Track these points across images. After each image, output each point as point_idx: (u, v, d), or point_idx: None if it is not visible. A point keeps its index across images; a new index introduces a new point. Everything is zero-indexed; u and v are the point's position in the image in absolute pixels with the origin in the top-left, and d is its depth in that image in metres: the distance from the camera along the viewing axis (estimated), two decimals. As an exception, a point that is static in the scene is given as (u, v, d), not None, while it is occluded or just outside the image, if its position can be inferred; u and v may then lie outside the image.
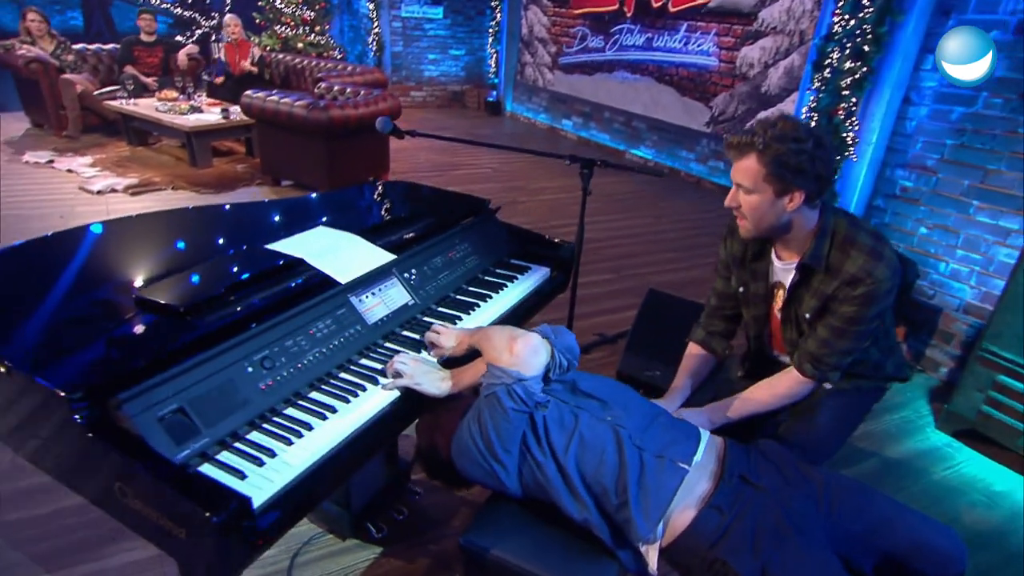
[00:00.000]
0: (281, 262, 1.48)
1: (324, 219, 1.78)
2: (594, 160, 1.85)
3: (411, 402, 1.35)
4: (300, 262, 1.50)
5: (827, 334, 1.41)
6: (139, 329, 1.22)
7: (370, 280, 1.51)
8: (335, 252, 1.56)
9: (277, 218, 1.83)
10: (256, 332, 1.26)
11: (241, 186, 4.97)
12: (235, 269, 1.45)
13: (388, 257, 1.61)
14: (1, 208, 4.15)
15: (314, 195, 2.02)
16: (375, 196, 2.14)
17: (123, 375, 1.06)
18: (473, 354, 1.41)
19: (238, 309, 1.30)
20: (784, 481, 1.23)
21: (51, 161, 5.19)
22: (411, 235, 1.73)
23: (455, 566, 1.76)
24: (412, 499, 1.96)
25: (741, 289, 1.57)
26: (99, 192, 4.59)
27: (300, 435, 1.20)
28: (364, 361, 1.41)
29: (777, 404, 1.49)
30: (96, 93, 5.85)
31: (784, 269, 1.46)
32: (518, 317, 1.74)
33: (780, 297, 1.50)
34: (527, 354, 1.20)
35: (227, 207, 1.82)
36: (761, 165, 1.27)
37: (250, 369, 1.24)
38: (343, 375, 1.36)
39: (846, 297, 1.35)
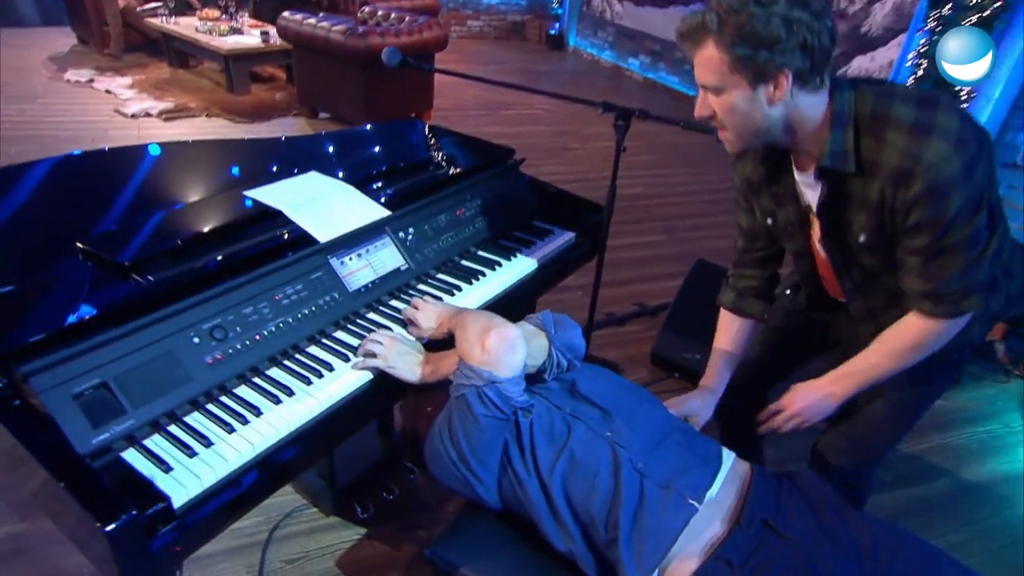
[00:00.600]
0: (255, 213, 1.36)
1: (320, 163, 1.64)
2: (631, 110, 1.60)
3: (387, 386, 1.24)
4: (277, 214, 1.37)
5: (919, 263, 1.08)
6: (69, 285, 1.10)
7: (357, 239, 1.39)
8: (321, 204, 1.43)
9: (270, 158, 1.70)
10: (209, 296, 1.15)
11: (277, 116, 4.88)
12: (200, 218, 1.33)
13: (382, 213, 1.47)
14: (39, 128, 4.16)
15: (322, 133, 1.89)
16: (385, 138, 1.98)
17: (32, 343, 0.93)
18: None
19: (190, 267, 1.18)
20: (819, 529, 1.03)
21: (91, 80, 5.21)
22: (413, 187, 1.59)
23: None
24: (406, 478, 1.89)
25: (769, 221, 1.29)
26: (133, 116, 4.58)
27: (246, 421, 1.08)
28: (340, 334, 1.30)
29: (914, 359, 1.19)
30: (139, 9, 5.80)
31: (809, 184, 1.16)
32: (532, 291, 1.63)
33: (816, 224, 1.21)
34: (501, 351, 1.05)
35: (222, 142, 1.69)
36: (721, 50, 0.99)
37: (197, 339, 1.12)
38: (312, 349, 1.26)
39: (905, 202, 1.01)
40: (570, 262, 1.78)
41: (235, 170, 1.60)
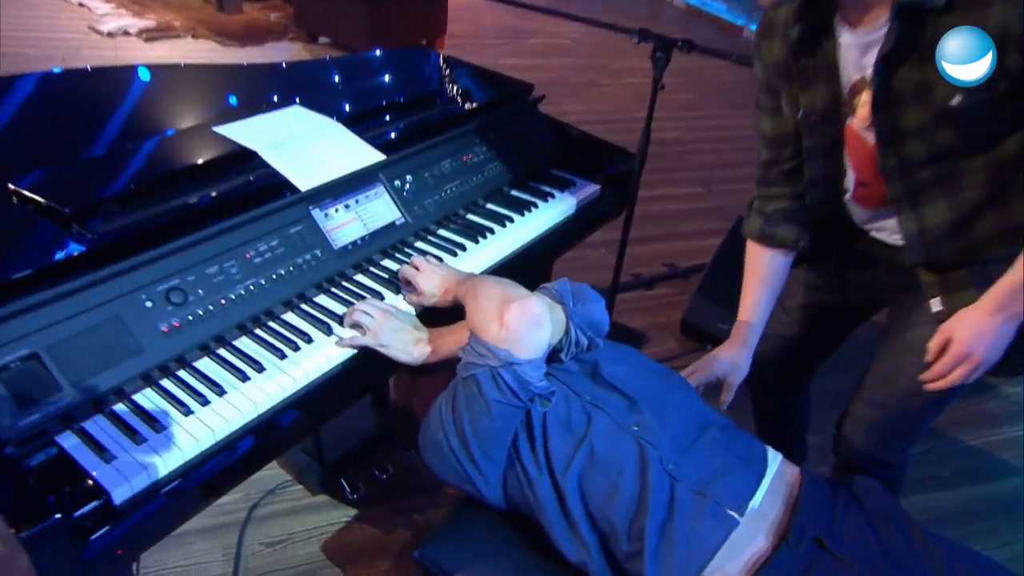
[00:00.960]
0: (225, 153, 1.27)
1: (306, 94, 1.55)
2: (672, 40, 1.45)
3: (377, 362, 1.17)
4: (251, 156, 1.28)
5: None
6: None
7: (345, 187, 1.31)
8: (304, 144, 1.35)
9: (249, 87, 1.59)
10: (166, 252, 1.07)
11: (271, 39, 4.72)
12: (159, 159, 1.24)
13: (375, 157, 1.38)
14: (1, 43, 4.04)
15: (310, 61, 1.80)
16: (386, 69, 1.86)
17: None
18: (462, 309, 1.17)
19: (145, 217, 1.10)
20: (881, 551, 0.95)
21: (64, -9, 5.05)
22: (413, 127, 1.51)
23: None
24: (401, 455, 1.84)
25: (800, 114, 1.17)
26: (109, 34, 4.43)
27: (206, 401, 1.01)
28: (322, 299, 1.24)
29: None
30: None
31: (863, 43, 1.03)
32: (548, 252, 1.59)
33: (864, 101, 1.06)
34: (523, 327, 0.98)
35: (216, 67, 1.60)
36: None
37: (150, 303, 1.04)
38: (288, 317, 1.19)
39: None
40: (594, 219, 1.72)
41: (232, 100, 1.51)
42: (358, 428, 1.82)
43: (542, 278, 1.23)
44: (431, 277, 1.22)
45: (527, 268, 1.47)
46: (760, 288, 1.33)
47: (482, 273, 1.34)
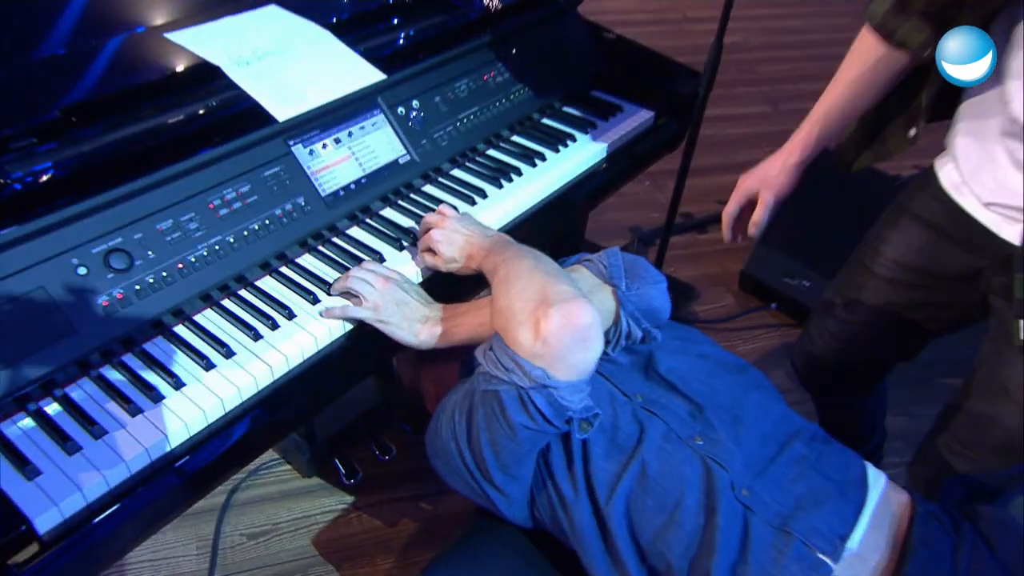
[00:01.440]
0: (181, 70, 1.15)
1: None
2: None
3: (377, 341, 1.10)
4: (214, 73, 1.16)
5: None
6: None
7: (336, 116, 1.24)
8: (282, 59, 1.24)
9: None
10: (105, 201, 0.97)
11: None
12: (93, 77, 1.10)
13: (373, 76, 1.27)
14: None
15: None
16: None
17: None
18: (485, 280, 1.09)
19: (74, 155, 0.98)
20: None
21: None
22: (421, 37, 1.40)
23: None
24: (407, 432, 1.80)
25: None
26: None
27: (159, 397, 0.92)
28: (306, 260, 1.18)
29: None
30: None
31: None
32: (588, 198, 1.51)
33: None
34: (566, 343, 0.88)
35: None
36: None
37: (84, 270, 0.94)
38: (265, 283, 1.12)
39: None
40: (646, 155, 1.62)
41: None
42: (357, 399, 1.77)
43: (576, 232, 1.10)
44: (452, 236, 1.14)
45: (560, 220, 1.43)
46: (846, 89, 1.18)
47: (503, 230, 1.27)
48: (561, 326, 0.87)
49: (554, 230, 1.43)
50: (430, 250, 1.15)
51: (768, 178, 1.28)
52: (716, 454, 0.94)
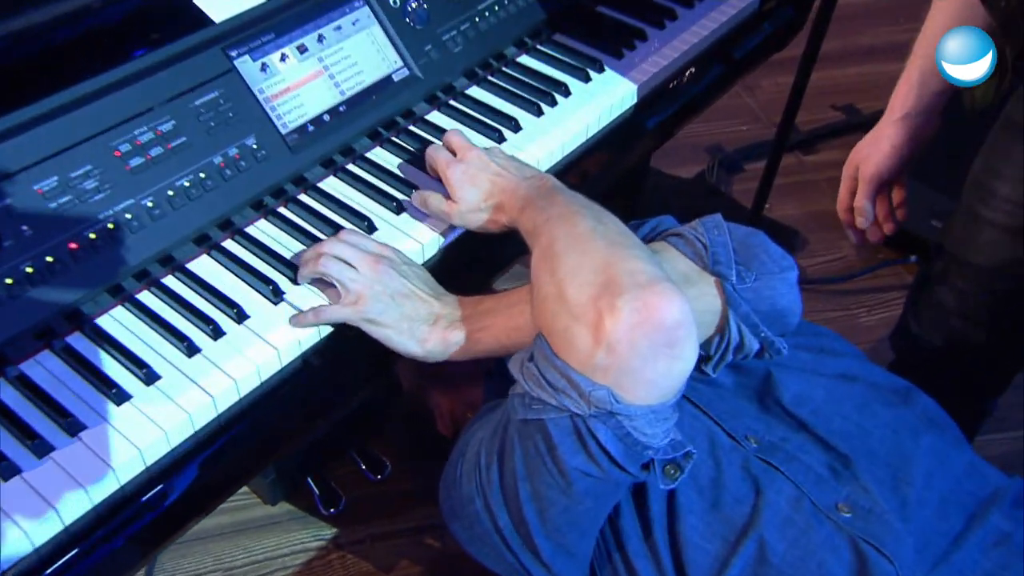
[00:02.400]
0: None
1: None
2: None
3: (371, 349, 1.08)
4: None
5: None
6: None
7: (300, 13, 1.22)
8: None
9: None
10: None
11: None
12: None
13: None
14: None
15: None
16: None
17: None
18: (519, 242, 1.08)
19: None
20: None
21: None
22: None
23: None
24: (403, 440, 1.85)
25: None
26: None
27: (45, 448, 0.87)
28: (262, 229, 1.16)
29: None
30: None
31: None
32: (666, 122, 1.50)
33: None
34: (643, 349, 0.84)
35: None
36: None
37: None
38: (201, 266, 1.10)
39: None
40: (747, 58, 1.61)
41: None
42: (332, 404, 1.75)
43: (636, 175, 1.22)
44: (476, 175, 1.12)
45: (622, 159, 1.45)
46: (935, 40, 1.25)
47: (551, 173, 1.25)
48: (635, 324, 0.84)
49: (612, 177, 1.46)
50: (439, 196, 1.15)
51: (869, 151, 1.39)
52: (872, 534, 0.92)
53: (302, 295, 1.05)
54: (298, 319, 1.02)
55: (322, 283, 1.06)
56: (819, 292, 2.18)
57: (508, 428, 0.93)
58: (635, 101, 1.40)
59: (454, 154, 1.14)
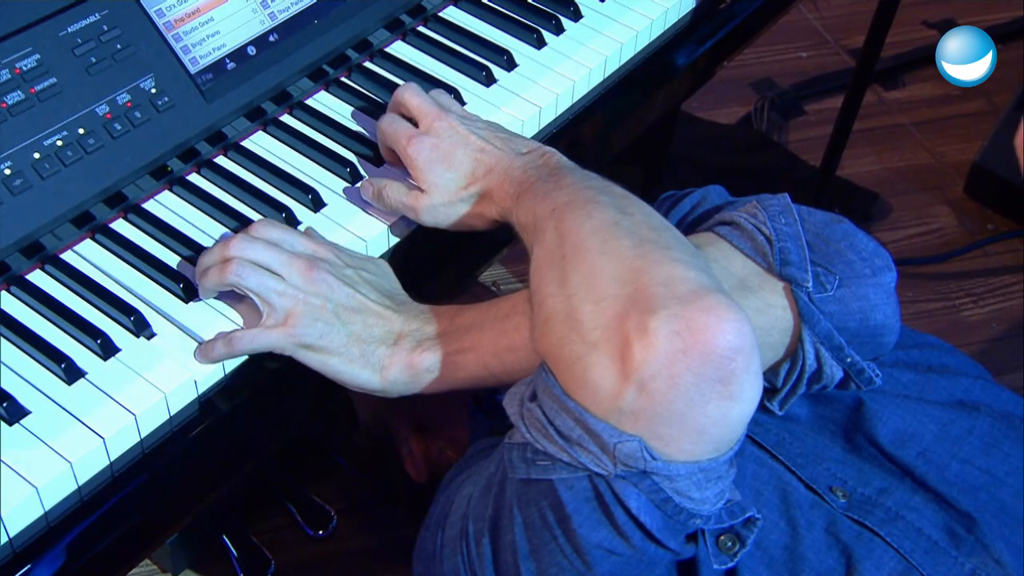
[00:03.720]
0: None
1: None
2: None
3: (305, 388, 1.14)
4: None
5: None
6: None
7: None
8: None
9: None
10: None
11: None
12: None
13: None
14: None
15: None
16: None
17: None
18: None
19: None
20: None
21: None
22: None
23: None
24: (351, 475, 1.87)
25: None
26: None
27: None
28: (165, 204, 1.18)
29: None
30: None
31: None
32: (707, 52, 1.54)
33: None
34: (686, 387, 0.82)
35: None
36: None
37: None
38: (83, 254, 1.11)
39: None
40: None
41: None
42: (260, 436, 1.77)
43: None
44: (453, 151, 1.11)
45: (651, 106, 1.49)
46: None
47: (547, 136, 1.32)
48: (675, 353, 0.82)
49: (636, 130, 1.47)
50: (402, 180, 1.16)
51: None
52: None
53: (204, 318, 1.05)
54: (205, 351, 1.02)
55: (233, 296, 1.06)
56: (909, 276, 2.17)
57: (505, 488, 0.93)
58: (666, 26, 1.42)
59: (415, 125, 1.14)
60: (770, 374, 1.02)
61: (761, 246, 1.02)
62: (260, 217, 1.13)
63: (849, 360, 1.01)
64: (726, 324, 0.82)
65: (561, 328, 0.88)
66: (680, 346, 0.81)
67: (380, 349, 1.05)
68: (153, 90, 1.12)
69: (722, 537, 0.90)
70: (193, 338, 1.05)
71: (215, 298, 1.07)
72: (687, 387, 0.81)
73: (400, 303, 1.09)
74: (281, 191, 1.16)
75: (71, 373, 0.97)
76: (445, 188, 1.11)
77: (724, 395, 0.82)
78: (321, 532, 1.75)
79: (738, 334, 0.82)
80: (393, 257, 1.19)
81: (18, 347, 1.00)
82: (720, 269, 0.98)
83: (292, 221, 1.18)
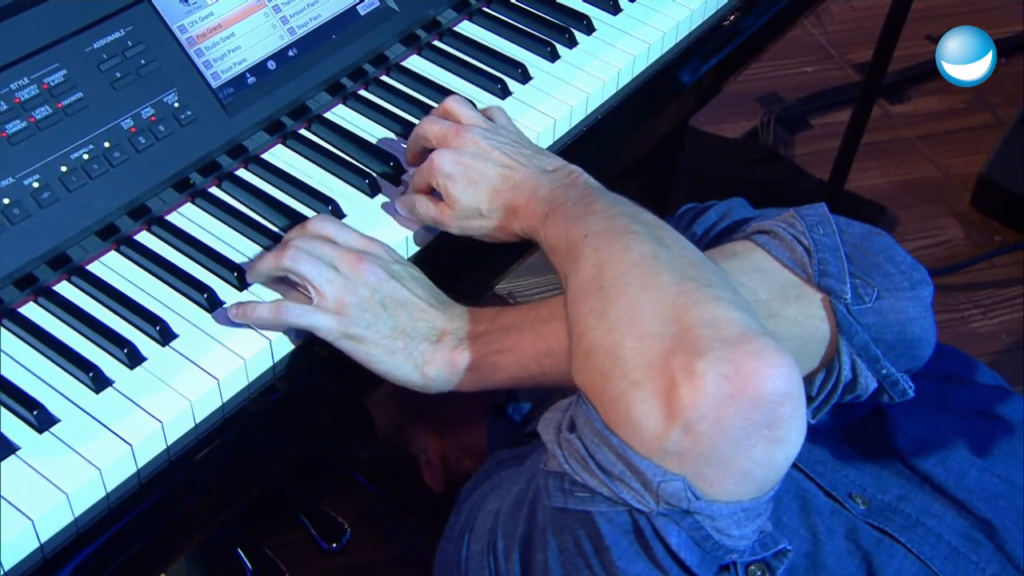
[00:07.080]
0: None
1: None
2: None
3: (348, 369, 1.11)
4: None
5: None
6: None
7: None
8: None
9: None
10: None
11: None
12: None
13: None
14: None
15: None
16: None
17: None
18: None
19: None
20: None
21: None
22: None
23: None
24: (364, 488, 1.85)
25: None
26: None
27: None
28: (188, 217, 1.18)
29: None
30: None
31: None
32: (718, 63, 1.55)
33: None
34: (734, 431, 0.83)
35: None
36: None
37: None
38: (107, 266, 1.11)
39: None
40: None
41: None
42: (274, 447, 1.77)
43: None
44: (478, 168, 1.10)
45: (661, 119, 1.50)
46: None
47: (559, 147, 1.32)
48: (724, 398, 0.81)
49: (646, 143, 1.49)
50: (431, 190, 1.14)
51: None
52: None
53: (229, 327, 1.06)
54: (246, 310, 1.02)
55: (284, 285, 1.06)
56: (913, 286, 2.17)
57: (537, 510, 0.93)
58: (682, 36, 1.42)
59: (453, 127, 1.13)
60: (805, 383, 0.97)
61: (800, 256, 1.02)
62: (280, 229, 1.14)
63: (884, 372, 1.01)
64: (775, 369, 0.82)
65: (603, 363, 0.88)
66: (728, 391, 0.81)
67: (423, 345, 1.06)
68: (176, 104, 1.13)
69: (752, 567, 0.90)
70: (219, 345, 1.05)
71: (267, 285, 1.07)
72: (734, 431, 0.81)
73: (443, 302, 1.10)
74: (301, 202, 1.16)
75: (99, 382, 0.97)
76: (469, 204, 1.11)
77: (771, 439, 0.83)
78: (335, 545, 1.75)
79: (787, 379, 0.82)
80: (431, 257, 1.18)
81: (47, 357, 1.00)
82: (759, 278, 1.00)
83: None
